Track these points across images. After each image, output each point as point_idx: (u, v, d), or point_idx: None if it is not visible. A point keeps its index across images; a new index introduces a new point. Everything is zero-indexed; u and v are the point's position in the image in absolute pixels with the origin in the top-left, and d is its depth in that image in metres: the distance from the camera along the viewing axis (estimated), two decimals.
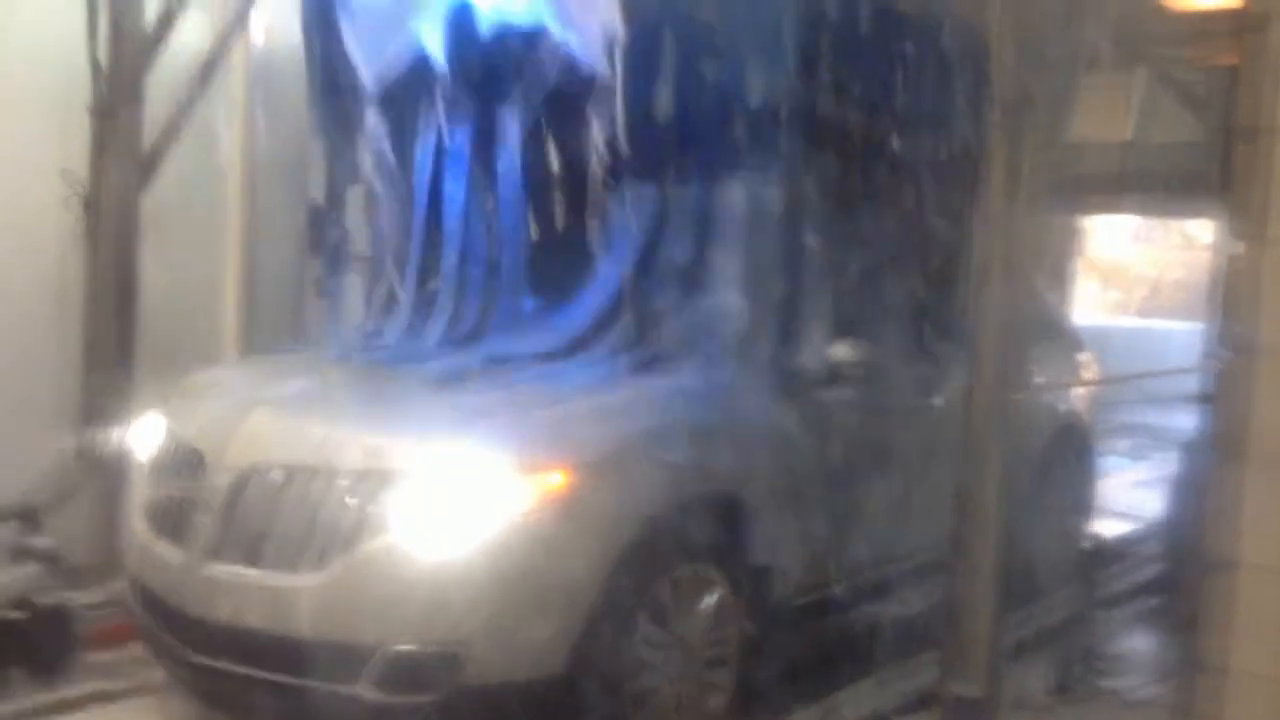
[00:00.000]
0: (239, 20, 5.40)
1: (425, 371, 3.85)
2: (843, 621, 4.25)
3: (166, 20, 5.09)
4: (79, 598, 4.32)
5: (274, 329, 5.20)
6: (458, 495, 3.27)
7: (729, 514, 3.74)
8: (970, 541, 3.69)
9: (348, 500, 3.27)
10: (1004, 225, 3.64)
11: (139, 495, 3.88)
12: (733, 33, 4.18)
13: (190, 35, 5.19)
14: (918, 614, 4.29)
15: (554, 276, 4.36)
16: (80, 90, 4.98)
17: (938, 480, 3.92)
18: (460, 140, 4.44)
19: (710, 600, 3.70)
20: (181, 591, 3.51)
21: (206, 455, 3.61)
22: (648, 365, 3.95)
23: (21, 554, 4.60)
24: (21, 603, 4.34)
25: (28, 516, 4.68)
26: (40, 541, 4.59)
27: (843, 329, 4.18)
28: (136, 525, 3.80)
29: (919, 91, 4.55)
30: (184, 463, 3.71)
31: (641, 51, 4.11)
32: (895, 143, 4.54)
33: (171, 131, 5.10)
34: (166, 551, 3.61)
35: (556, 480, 3.34)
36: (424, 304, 4.37)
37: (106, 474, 4.58)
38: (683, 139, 4.21)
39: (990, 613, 3.69)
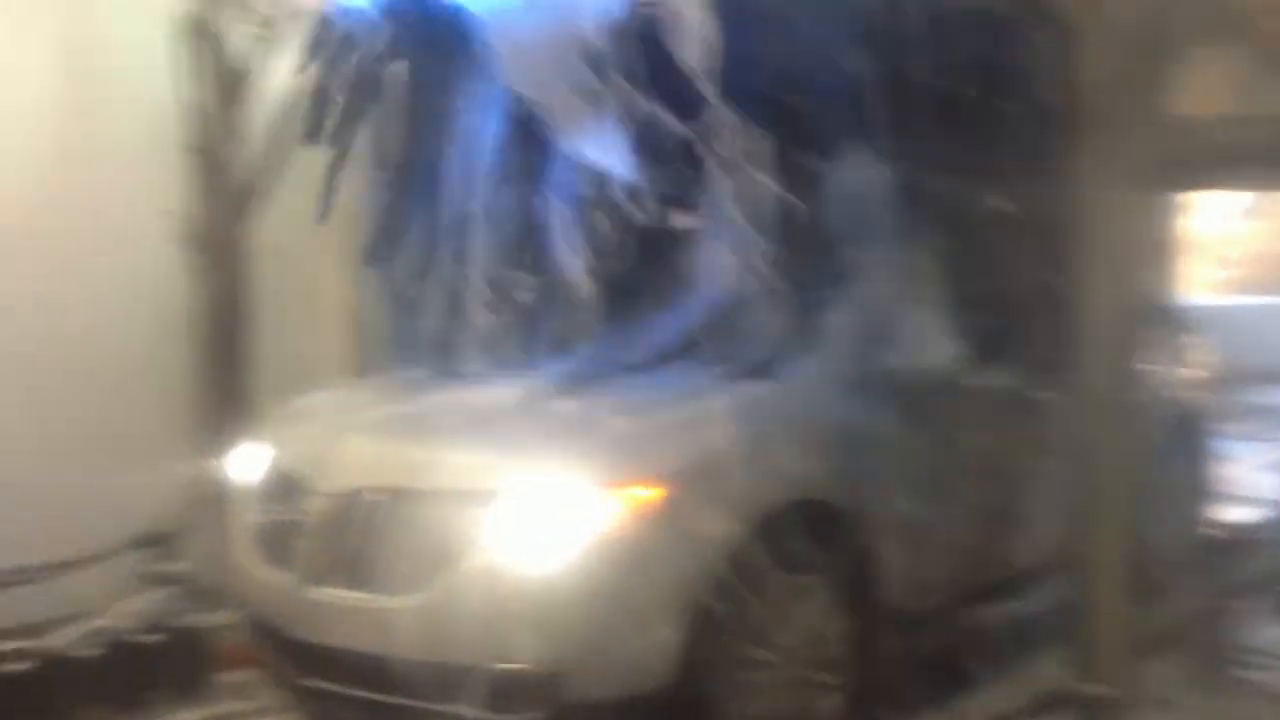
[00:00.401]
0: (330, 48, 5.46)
1: (519, 387, 3.87)
2: (957, 624, 4.17)
3: (258, 57, 5.22)
4: (210, 620, 4.46)
5: (381, 351, 5.27)
6: (550, 513, 3.29)
7: (830, 521, 3.68)
8: (1096, 537, 3.61)
9: (444, 521, 3.32)
10: (1103, 209, 3.53)
11: (244, 521, 3.98)
12: (830, 21, 4.12)
13: (283, 69, 5.29)
14: (1035, 614, 4.19)
15: (644, 285, 4.34)
16: (178, 129, 5.13)
17: (1049, 476, 3.81)
18: (550, 150, 4.45)
19: (814, 609, 3.66)
20: (287, 615, 3.61)
21: (306, 480, 3.70)
22: (740, 372, 3.91)
23: (155, 579, 4.80)
24: (157, 626, 4.54)
25: (160, 543, 4.88)
26: (172, 566, 4.80)
27: (943, 325, 4.09)
28: (243, 551, 3.90)
29: (1013, 71, 4.43)
30: (286, 488, 3.80)
31: (737, 47, 4.07)
32: (989, 125, 4.42)
33: (270, 167, 5.21)
34: (272, 576, 3.70)
35: (648, 494, 3.33)
36: (517, 318, 4.39)
37: (226, 500, 4.71)
38: (780, 137, 4.14)
39: (1120, 608, 3.60)
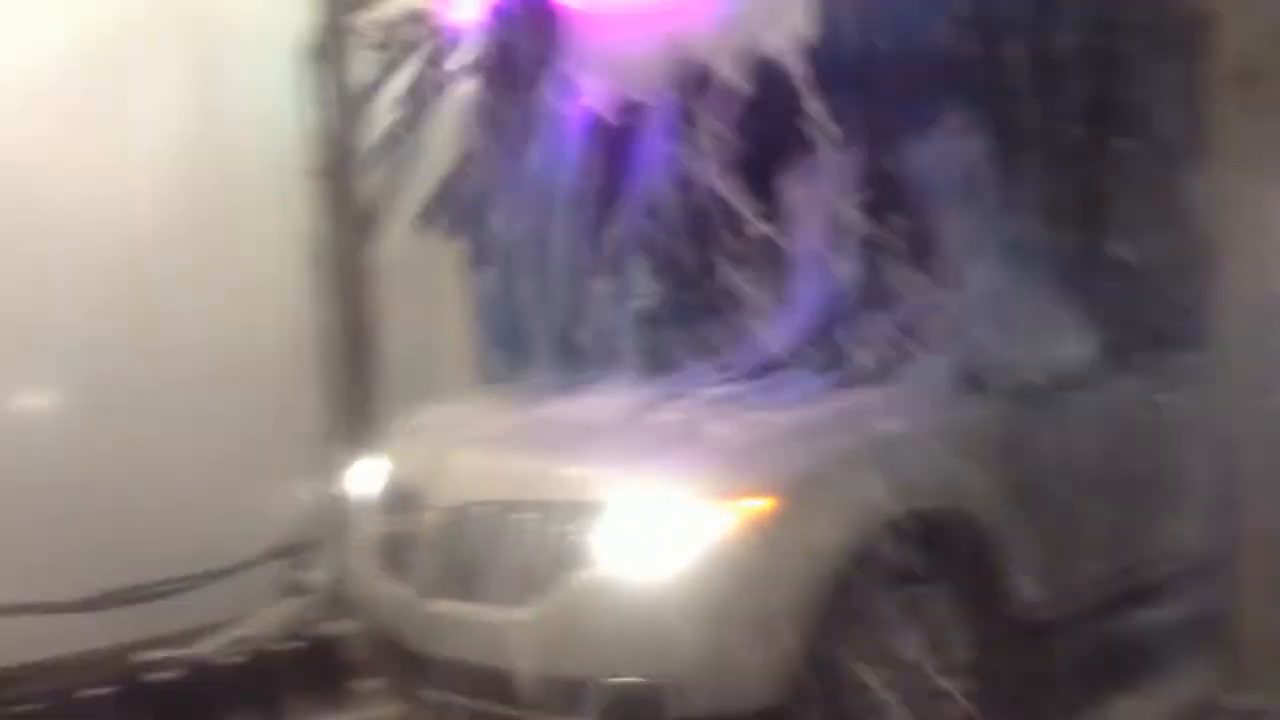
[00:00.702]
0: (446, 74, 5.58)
1: (630, 397, 3.87)
2: (1092, 635, 4.01)
3: (378, 81, 5.33)
4: (345, 628, 4.51)
5: (498, 363, 5.32)
6: (661, 525, 3.27)
7: (952, 530, 3.57)
8: (1240, 540, 3.48)
9: (554, 534, 3.32)
10: (1243, 201, 3.39)
11: (365, 533, 4.06)
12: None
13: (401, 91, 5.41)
14: (1177, 621, 4.00)
15: (756, 289, 4.29)
16: (301, 152, 5.28)
17: (1187, 477, 3.65)
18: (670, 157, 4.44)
19: (939, 620, 3.56)
20: (406, 627, 3.66)
21: (422, 492, 3.75)
22: (856, 376, 3.84)
23: (293, 588, 4.95)
24: (294, 634, 4.68)
25: (296, 553, 5.03)
26: (308, 575, 4.94)
27: (1069, 323, 3.93)
28: (364, 562, 3.98)
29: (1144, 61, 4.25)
30: (402, 500, 3.86)
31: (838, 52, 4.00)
32: (1119, 119, 4.25)
33: (391, 189, 5.32)
34: (390, 588, 3.76)
35: (761, 505, 3.28)
36: (628, 328, 4.39)
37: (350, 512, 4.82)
38: (892, 134, 4.06)
39: (1268, 614, 3.46)
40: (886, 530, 3.40)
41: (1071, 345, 3.82)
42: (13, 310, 4.62)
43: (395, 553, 3.79)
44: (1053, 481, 3.78)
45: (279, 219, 5.23)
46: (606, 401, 3.95)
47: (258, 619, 4.77)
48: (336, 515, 4.63)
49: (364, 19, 5.25)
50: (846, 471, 3.42)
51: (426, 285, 5.50)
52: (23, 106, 4.64)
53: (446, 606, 3.53)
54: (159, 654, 4.46)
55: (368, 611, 3.98)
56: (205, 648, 4.56)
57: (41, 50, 4.70)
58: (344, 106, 5.33)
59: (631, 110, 4.59)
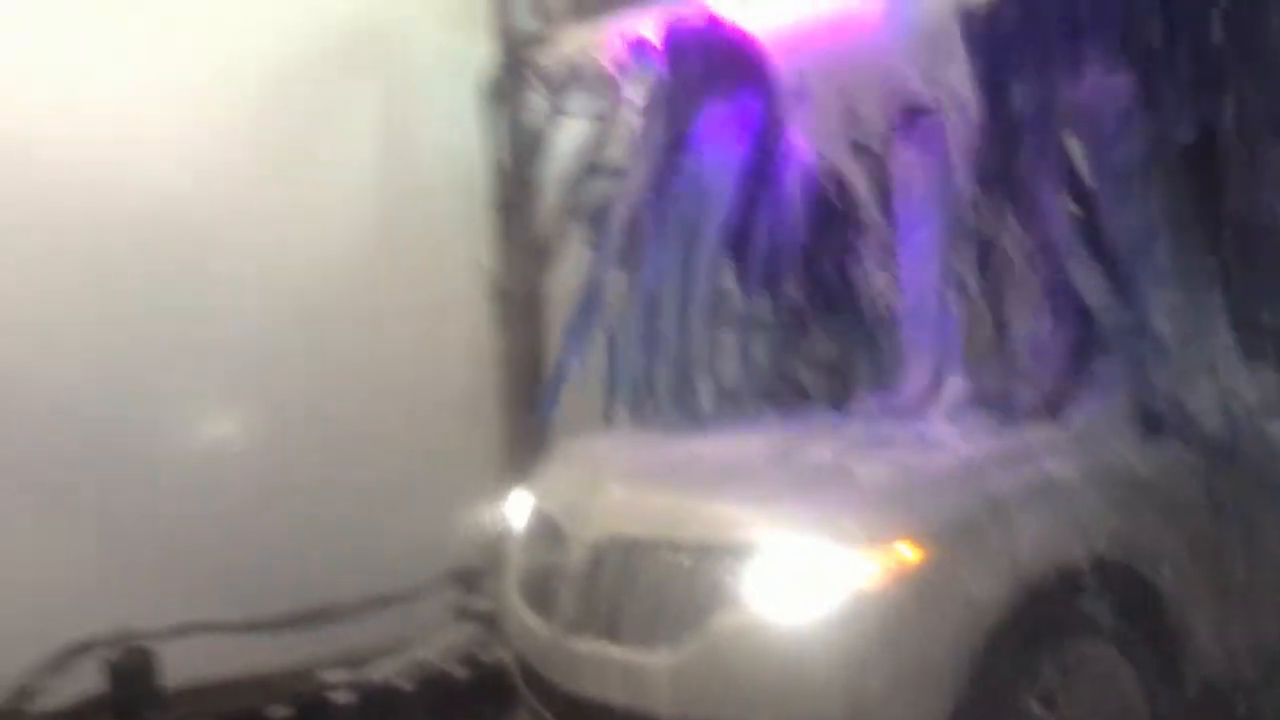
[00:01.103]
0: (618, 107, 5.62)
1: (777, 435, 3.79)
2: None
3: (555, 115, 5.41)
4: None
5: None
6: (809, 571, 3.16)
7: (1125, 583, 3.36)
8: None
9: (699, 575, 3.25)
10: None
11: (513, 567, 4.04)
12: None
13: (578, 127, 5.48)
14: None
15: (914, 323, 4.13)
16: (483, 186, 5.41)
17: None
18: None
19: (1112, 680, 3.35)
20: (548, 664, 3.62)
21: (566, 528, 3.72)
22: (1020, 414, 3.65)
23: (463, 614, 5.04)
24: (466, 660, 4.76)
25: (467, 580, 5.12)
26: (479, 602, 5.01)
27: (1262, 355, 3.64)
28: (512, 597, 3.95)
29: None
30: (547, 535, 3.83)
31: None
32: None
33: (566, 218, 5.39)
34: (536, 624, 3.72)
35: (913, 553, 3.14)
36: (779, 364, 4.31)
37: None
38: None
39: None
40: (1052, 584, 3.23)
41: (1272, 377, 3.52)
42: (207, 337, 4.88)
43: (539, 587, 3.77)
44: (1242, 530, 3.50)
45: (460, 250, 5.39)
46: (755, 439, 3.87)
47: (431, 643, 4.87)
48: (500, 543, 4.69)
49: (542, 55, 5.34)
50: (1006, 520, 3.22)
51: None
52: (224, 144, 4.90)
53: (587, 645, 3.46)
54: (338, 675, 4.60)
55: (515, 644, 3.97)
56: (382, 671, 4.67)
57: (240, 90, 4.97)
58: (522, 141, 5.44)
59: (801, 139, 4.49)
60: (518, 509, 4.17)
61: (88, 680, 4.26)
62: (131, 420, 4.73)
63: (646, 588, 3.35)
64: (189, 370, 4.85)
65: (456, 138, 5.45)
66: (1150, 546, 3.40)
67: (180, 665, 4.38)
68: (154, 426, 4.79)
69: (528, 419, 5.30)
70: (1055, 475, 3.36)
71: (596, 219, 5.02)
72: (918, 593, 3.12)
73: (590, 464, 4.03)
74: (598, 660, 3.42)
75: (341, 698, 4.52)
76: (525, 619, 3.81)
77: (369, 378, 5.21)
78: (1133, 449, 3.51)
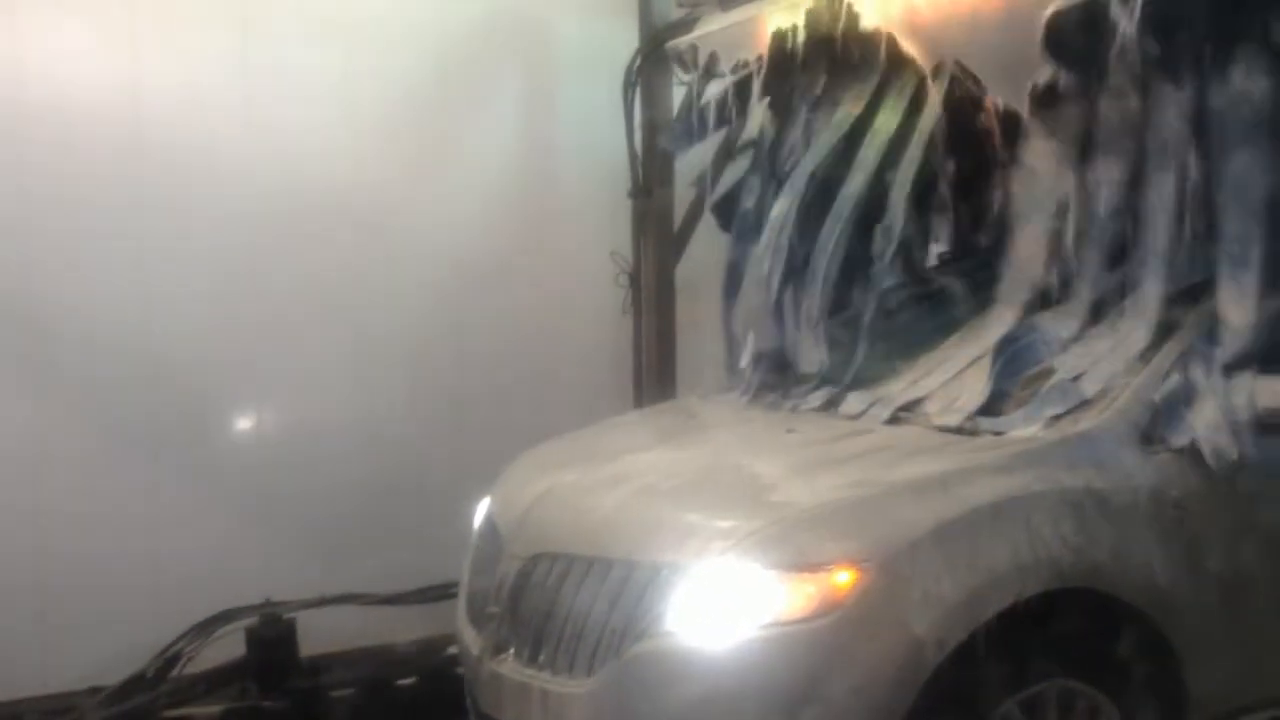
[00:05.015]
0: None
1: (743, 439, 3.63)
2: None
3: (692, 104, 5.39)
4: None
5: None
6: (731, 593, 2.97)
7: (1104, 614, 3.03)
8: None
9: (619, 596, 3.06)
10: None
11: (463, 578, 3.84)
12: None
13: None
14: None
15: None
16: (621, 177, 5.48)
17: None
18: None
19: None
20: (478, 685, 3.45)
21: (504, 540, 3.52)
22: (982, 423, 3.37)
23: None
24: None
25: None
26: None
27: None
28: (459, 610, 3.76)
29: None
30: (490, 547, 3.64)
31: None
32: None
33: (697, 207, 5.39)
34: (471, 640, 3.53)
35: (848, 578, 2.92)
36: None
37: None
38: None
39: None
40: (1015, 614, 2.94)
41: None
42: (354, 323, 5.24)
43: (477, 601, 3.57)
44: (1245, 559, 3.10)
45: (598, 236, 5.55)
46: (710, 446, 3.69)
47: None
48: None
49: (680, 45, 5.32)
50: (958, 542, 2.96)
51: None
52: (380, 135, 5.27)
53: (509, 667, 3.27)
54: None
55: (461, 660, 3.75)
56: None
57: (390, 85, 5.30)
58: (660, 130, 5.46)
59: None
60: (477, 516, 3.93)
61: (232, 648, 4.60)
62: (278, 404, 5.15)
63: (571, 608, 3.15)
64: (334, 356, 5.21)
65: (597, 126, 5.55)
66: (1135, 572, 3.04)
67: (317, 635, 4.71)
68: (300, 409, 5.18)
69: (658, 400, 5.36)
70: (1021, 492, 3.05)
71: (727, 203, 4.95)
72: (854, 623, 2.90)
73: (539, 471, 3.76)
74: (518, 685, 3.23)
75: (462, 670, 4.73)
76: (464, 635, 3.61)
77: (507, 362, 5.46)
78: (1130, 460, 3.15)
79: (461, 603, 3.77)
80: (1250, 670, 3.21)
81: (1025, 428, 3.32)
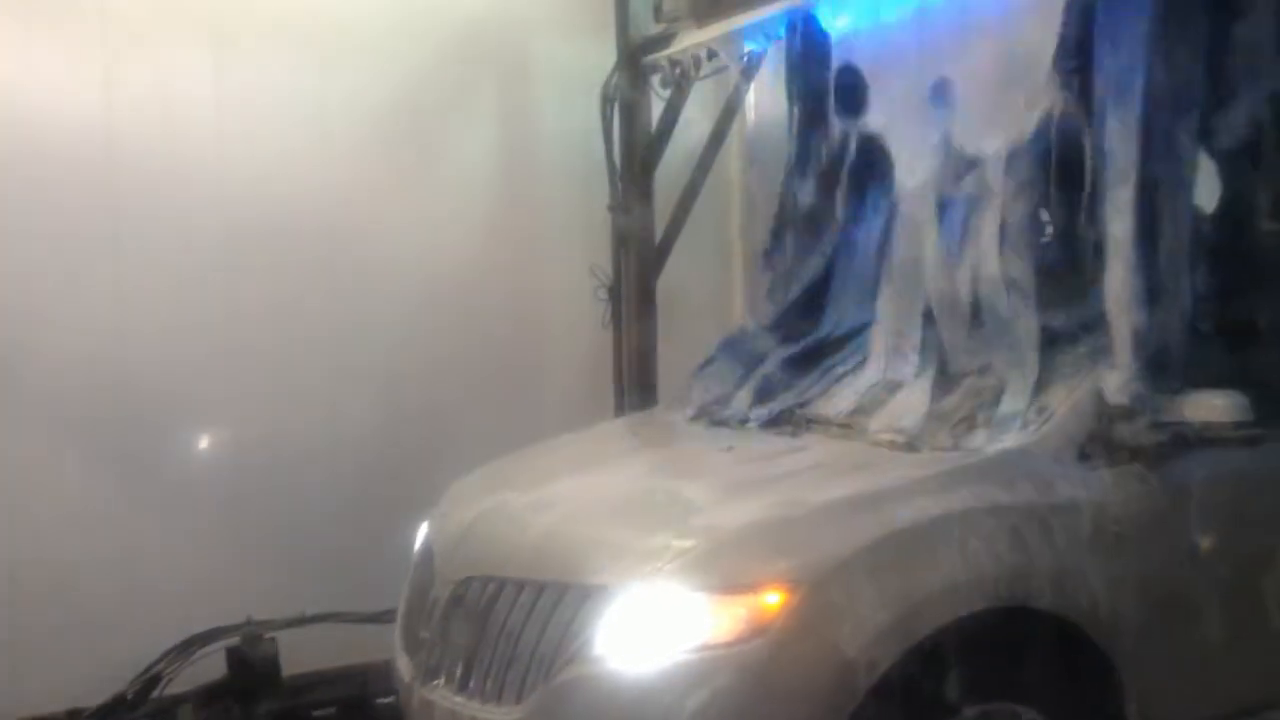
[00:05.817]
0: (731, 111, 5.49)
1: (677, 459, 3.62)
2: None
3: (669, 121, 5.38)
4: None
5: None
6: (658, 616, 2.94)
7: (1044, 635, 2.97)
8: None
9: (548, 620, 3.02)
10: None
11: (400, 601, 3.80)
12: None
13: (691, 131, 5.49)
14: None
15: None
16: (600, 191, 5.48)
17: None
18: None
19: None
20: (408, 713, 3.41)
21: (438, 563, 3.49)
22: (915, 439, 3.32)
23: None
24: None
25: None
26: None
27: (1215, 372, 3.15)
28: (395, 633, 3.73)
29: None
30: (426, 570, 3.60)
31: None
32: None
33: (678, 221, 5.38)
34: (404, 666, 3.50)
35: (779, 600, 2.88)
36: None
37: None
38: None
39: None
40: (949, 635, 2.90)
41: (1229, 400, 2.95)
42: (335, 339, 5.26)
43: (411, 625, 3.55)
44: (1187, 573, 3.00)
45: (578, 251, 5.56)
46: (647, 466, 3.65)
47: None
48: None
49: (658, 59, 5.31)
50: (894, 561, 2.91)
51: (702, 313, 5.55)
52: (357, 152, 5.29)
53: (438, 694, 3.23)
54: None
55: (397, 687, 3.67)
56: None
57: (373, 99, 5.32)
58: (639, 144, 5.45)
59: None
60: (417, 540, 3.90)
61: (213, 669, 4.64)
62: (257, 421, 5.17)
63: (501, 632, 3.11)
64: (312, 373, 5.23)
65: (576, 141, 5.55)
66: (1074, 590, 2.97)
67: (299, 654, 4.73)
68: (279, 427, 5.19)
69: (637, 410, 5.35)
70: (956, 510, 3.00)
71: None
72: (783, 645, 2.85)
73: (477, 493, 3.74)
74: (447, 712, 3.19)
75: None
76: (398, 660, 3.58)
77: (488, 377, 5.48)
78: (1070, 476, 3.10)
79: (397, 627, 3.73)
80: (1193, 690, 3.14)
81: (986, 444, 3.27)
